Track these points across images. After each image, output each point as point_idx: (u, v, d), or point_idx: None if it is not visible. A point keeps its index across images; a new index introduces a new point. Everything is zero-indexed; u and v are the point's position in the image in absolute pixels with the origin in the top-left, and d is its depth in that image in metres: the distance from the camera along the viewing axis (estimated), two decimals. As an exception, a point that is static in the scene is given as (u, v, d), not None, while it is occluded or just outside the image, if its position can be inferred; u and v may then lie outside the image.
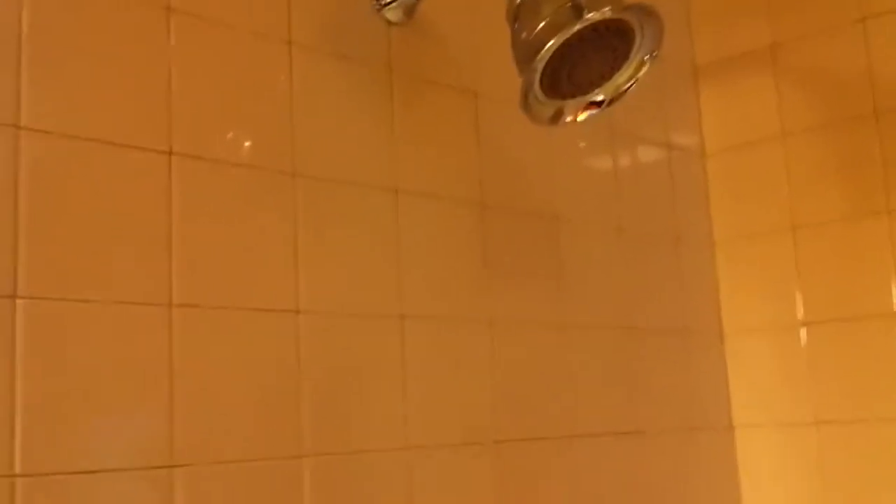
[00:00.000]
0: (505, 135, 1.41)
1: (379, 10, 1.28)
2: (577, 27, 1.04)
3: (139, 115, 1.04)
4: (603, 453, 1.46)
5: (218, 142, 1.10)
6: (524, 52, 1.08)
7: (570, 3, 1.05)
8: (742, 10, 1.71)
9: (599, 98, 1.15)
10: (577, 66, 1.09)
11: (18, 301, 0.93)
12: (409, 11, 1.30)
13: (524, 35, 1.09)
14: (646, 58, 1.12)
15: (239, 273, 1.10)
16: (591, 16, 1.04)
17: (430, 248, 1.29)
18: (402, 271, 1.25)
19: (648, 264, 1.61)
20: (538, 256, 1.43)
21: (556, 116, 1.14)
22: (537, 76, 1.07)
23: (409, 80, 1.30)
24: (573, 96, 1.13)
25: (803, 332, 1.61)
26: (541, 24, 1.06)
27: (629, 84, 1.14)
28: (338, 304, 1.18)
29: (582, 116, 1.15)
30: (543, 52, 1.04)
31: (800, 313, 1.62)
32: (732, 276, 1.71)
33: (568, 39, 1.05)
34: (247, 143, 1.13)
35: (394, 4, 1.28)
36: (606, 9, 1.05)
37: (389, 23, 1.29)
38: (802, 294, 1.61)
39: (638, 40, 1.10)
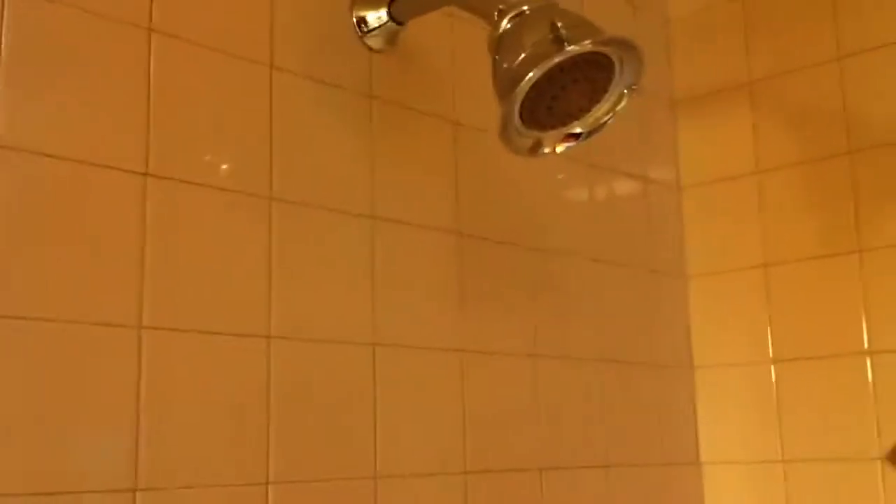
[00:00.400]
0: (484, 164, 1.41)
1: (361, 37, 1.28)
2: (557, 59, 1.05)
3: (117, 136, 1.04)
4: (573, 486, 1.46)
5: (195, 164, 1.10)
6: (504, 83, 1.08)
7: (551, 36, 1.05)
8: (721, 46, 1.73)
9: (578, 130, 1.15)
10: (557, 98, 1.09)
11: (-14, 318, 0.91)
12: (392, 39, 1.30)
13: (505, 66, 1.09)
14: (625, 91, 1.13)
15: (211, 297, 1.09)
16: (572, 48, 1.04)
17: (405, 275, 1.29)
18: (375, 299, 1.24)
19: (624, 296, 1.62)
20: (514, 286, 1.43)
21: (535, 147, 1.15)
22: (516, 107, 1.07)
23: (390, 106, 1.30)
24: (553, 127, 1.13)
25: (773, 369, 1.62)
26: (521, 56, 1.07)
27: (608, 117, 1.15)
28: (310, 331, 1.17)
29: (560, 148, 1.16)
30: (523, 83, 1.05)
31: (770, 350, 1.62)
32: (705, 310, 1.71)
33: (548, 71, 1.05)
34: (224, 166, 1.13)
35: (376, 31, 1.28)
36: (587, 42, 1.05)
37: (371, 50, 1.29)
38: (773, 331, 1.62)
39: (617, 74, 1.11)
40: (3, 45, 0.96)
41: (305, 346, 1.16)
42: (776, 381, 1.62)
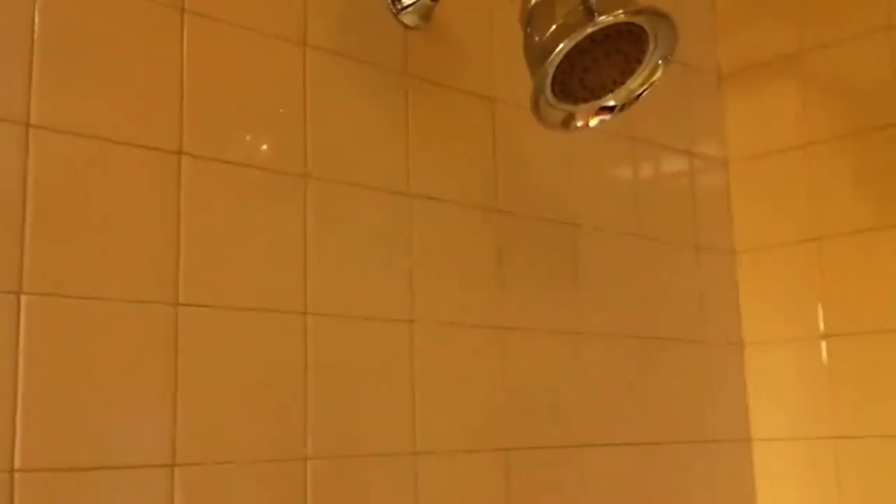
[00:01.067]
0: (522, 140, 1.40)
1: (396, 14, 1.28)
2: (589, 30, 1.03)
3: (150, 115, 1.05)
4: (615, 464, 1.45)
5: (229, 142, 1.11)
6: (536, 56, 1.07)
7: (581, 7, 1.04)
8: (768, 18, 1.69)
9: (611, 103, 1.14)
10: (590, 70, 1.08)
11: (23, 297, 0.93)
12: (426, 15, 1.29)
13: (536, 38, 1.08)
14: (659, 62, 1.11)
15: (247, 273, 1.10)
16: (603, 19, 1.03)
17: (442, 252, 1.28)
18: (413, 275, 1.24)
19: (668, 273, 1.59)
20: (554, 262, 1.42)
21: (568, 121, 1.14)
22: (548, 80, 1.07)
23: (425, 83, 1.30)
24: (585, 101, 1.12)
25: (824, 345, 1.59)
26: (552, 28, 1.06)
27: (642, 89, 1.13)
28: (346, 307, 1.18)
29: (594, 121, 1.15)
30: (554, 55, 1.04)
31: (821, 325, 1.59)
32: (753, 286, 1.68)
33: (579, 43, 1.04)
34: (258, 144, 1.13)
35: (410, 8, 1.28)
36: (619, 11, 1.04)
37: (406, 27, 1.28)
38: (824, 306, 1.59)
39: (651, 45, 1.09)
40: (36, 28, 0.98)
41: (342, 323, 1.17)
42: (827, 357, 1.59)
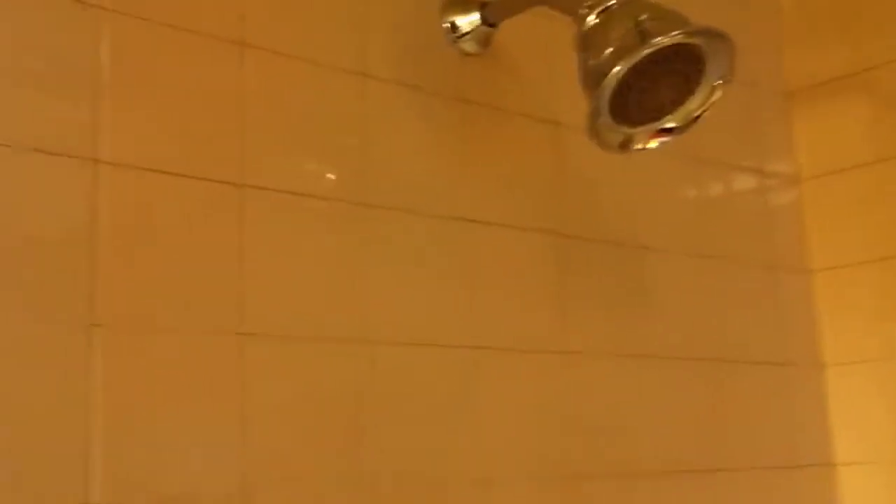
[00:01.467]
0: (586, 162, 1.40)
1: (454, 42, 1.29)
2: (644, 52, 1.03)
3: (213, 148, 1.07)
4: (686, 491, 1.42)
5: (289, 173, 1.12)
6: (592, 79, 1.07)
7: (636, 28, 1.04)
8: (834, 34, 1.67)
9: (670, 125, 1.13)
10: (647, 92, 1.08)
11: (96, 329, 0.96)
12: (485, 42, 1.30)
13: (591, 62, 1.08)
14: (717, 83, 1.10)
15: (309, 303, 1.11)
16: (658, 40, 1.03)
17: (504, 278, 1.28)
18: (475, 302, 1.25)
19: (740, 293, 1.57)
20: (618, 286, 1.41)
21: (626, 143, 1.13)
22: (604, 102, 1.06)
23: (484, 109, 1.31)
24: (643, 123, 1.11)
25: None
26: (607, 51, 1.06)
27: (701, 110, 1.12)
28: (409, 335, 1.18)
29: (653, 144, 1.14)
30: (609, 77, 1.04)
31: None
32: (832, 305, 1.65)
33: (636, 65, 1.04)
34: (319, 175, 1.15)
35: (468, 36, 1.29)
36: (675, 33, 1.03)
37: (465, 53, 1.29)
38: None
39: (709, 65, 1.08)
40: (104, 66, 1.01)
41: (405, 350, 1.18)
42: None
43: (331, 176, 1.16)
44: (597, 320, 1.37)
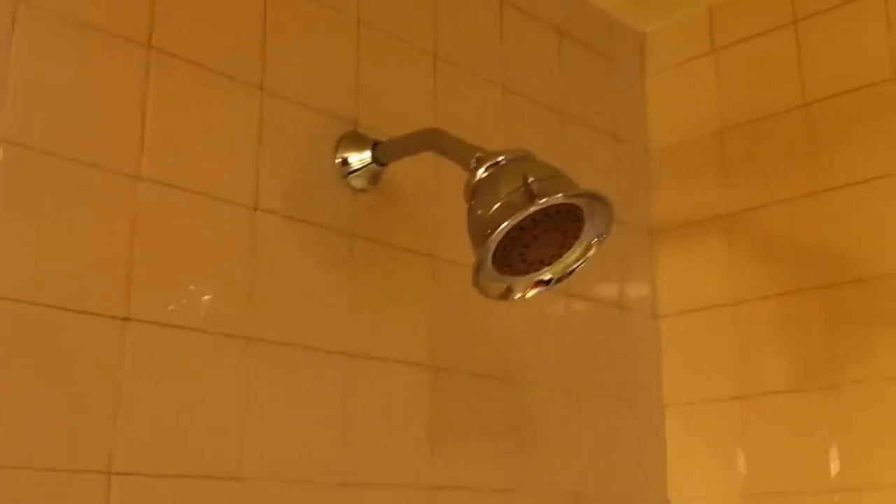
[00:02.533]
0: (460, 297, 1.44)
1: (345, 177, 1.32)
2: (531, 210, 1.08)
3: (99, 281, 1.07)
4: None
5: (174, 306, 1.13)
6: (479, 230, 1.12)
7: (524, 187, 1.09)
8: (699, 178, 1.77)
9: (547, 276, 1.18)
10: (530, 246, 1.12)
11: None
12: (374, 179, 1.34)
13: (479, 212, 1.13)
14: (594, 241, 1.17)
15: (184, 439, 1.11)
16: (545, 201, 1.08)
17: (379, 412, 1.31)
18: (349, 437, 1.26)
19: (600, 427, 1.62)
20: (489, 419, 1.45)
21: (507, 293, 1.18)
22: (489, 255, 1.11)
23: (371, 243, 1.34)
24: (524, 273, 1.16)
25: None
26: (496, 205, 1.10)
27: (577, 264, 1.18)
28: (282, 471, 1.19)
29: (531, 293, 1.19)
30: (497, 232, 1.08)
31: (744, 484, 1.63)
32: (681, 441, 1.72)
33: (521, 221, 1.09)
34: (205, 308, 1.16)
35: (359, 172, 1.32)
36: (559, 195, 1.09)
37: (354, 189, 1.33)
38: (747, 464, 1.63)
39: (588, 224, 1.15)
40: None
41: (276, 487, 1.18)
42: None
43: (216, 309, 1.17)
44: (467, 454, 1.40)
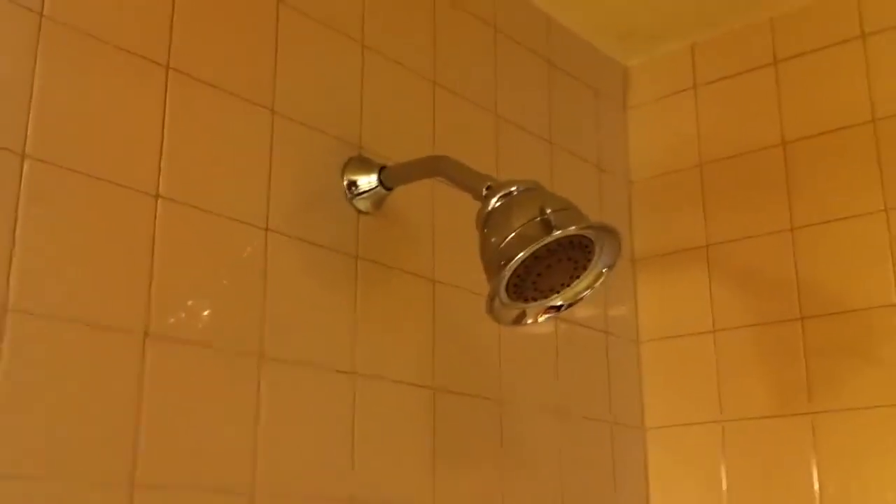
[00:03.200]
0: (457, 319, 1.47)
1: (350, 199, 1.34)
2: (546, 241, 1.11)
3: (119, 297, 1.08)
4: None
5: (190, 321, 1.14)
6: (493, 259, 1.14)
7: (539, 219, 1.12)
8: (680, 209, 1.83)
9: (558, 303, 1.21)
10: (543, 275, 1.15)
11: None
12: (379, 203, 1.36)
13: (493, 240, 1.15)
14: (604, 270, 1.20)
15: (198, 450, 1.12)
16: (560, 232, 1.11)
17: (383, 431, 1.32)
18: (354, 454, 1.28)
19: (584, 448, 1.66)
20: (482, 439, 1.47)
21: (519, 318, 1.21)
22: (503, 284, 1.14)
23: (374, 265, 1.36)
24: (535, 300, 1.19)
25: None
26: (511, 235, 1.13)
27: (586, 292, 1.21)
28: (291, 486, 1.20)
29: (542, 318, 1.22)
30: (513, 262, 1.11)
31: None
32: (661, 464, 1.76)
33: (536, 251, 1.12)
34: (218, 325, 1.17)
35: (365, 195, 1.34)
36: (572, 228, 1.12)
37: (359, 212, 1.35)
38: (728, 486, 1.67)
39: (597, 254, 1.18)
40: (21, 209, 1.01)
41: (287, 502, 1.19)
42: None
43: (227, 326, 1.18)
44: (462, 473, 1.42)
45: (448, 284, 1.46)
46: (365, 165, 1.35)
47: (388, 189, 1.35)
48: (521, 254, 1.11)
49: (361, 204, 1.35)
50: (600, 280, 1.21)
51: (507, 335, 1.55)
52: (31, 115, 1.04)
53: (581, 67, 1.85)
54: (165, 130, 1.16)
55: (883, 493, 1.53)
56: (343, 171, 1.34)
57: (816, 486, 1.58)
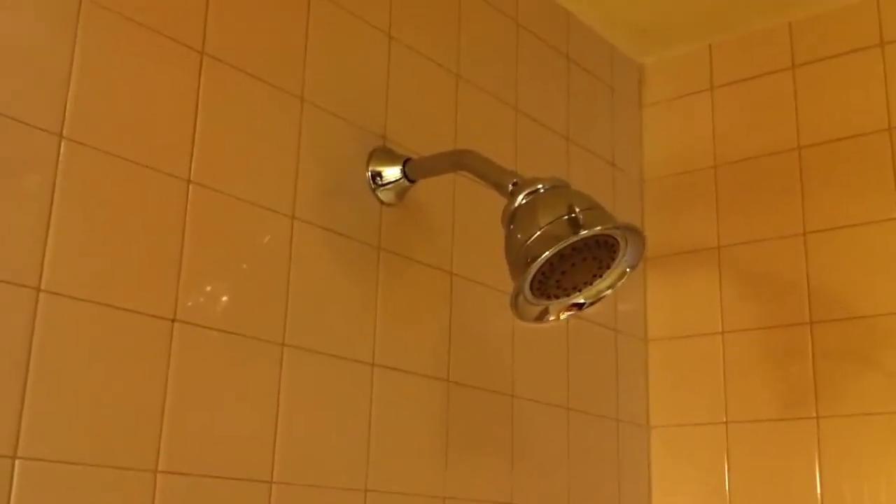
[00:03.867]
0: (472, 313, 1.48)
1: (374, 190, 1.35)
2: (573, 240, 1.12)
3: (146, 282, 1.08)
4: None
5: (217, 309, 1.14)
6: (519, 256, 1.15)
7: (566, 218, 1.13)
8: (692, 209, 1.84)
9: (580, 301, 1.22)
10: (567, 273, 1.16)
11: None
12: (402, 194, 1.37)
13: (519, 236, 1.16)
14: (627, 270, 1.21)
15: (220, 438, 1.12)
16: (587, 232, 1.12)
17: (398, 422, 1.33)
18: (371, 445, 1.29)
19: (588, 444, 1.67)
20: (493, 433, 1.49)
21: (542, 315, 1.22)
22: (528, 282, 1.15)
23: (395, 257, 1.37)
24: (557, 297, 1.20)
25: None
26: (537, 233, 1.14)
27: (608, 290, 1.22)
28: (309, 474, 1.21)
29: (564, 315, 1.23)
30: (540, 259, 1.12)
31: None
32: (665, 463, 1.77)
33: (562, 249, 1.13)
34: (243, 312, 1.17)
35: (389, 186, 1.35)
36: (598, 227, 1.13)
37: (382, 203, 1.36)
38: (730, 488, 1.69)
39: (621, 254, 1.19)
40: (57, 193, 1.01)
41: (303, 492, 1.20)
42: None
43: (254, 313, 1.18)
44: (474, 466, 1.43)
45: (465, 278, 1.47)
46: (389, 157, 1.36)
47: (412, 181, 1.36)
48: (548, 252, 1.12)
49: (385, 195, 1.36)
50: (623, 279, 1.22)
51: (520, 330, 1.56)
52: (69, 97, 1.04)
53: (598, 64, 1.86)
54: (199, 116, 1.16)
55: (886, 499, 1.55)
56: (368, 162, 1.35)
57: (819, 491, 1.60)
